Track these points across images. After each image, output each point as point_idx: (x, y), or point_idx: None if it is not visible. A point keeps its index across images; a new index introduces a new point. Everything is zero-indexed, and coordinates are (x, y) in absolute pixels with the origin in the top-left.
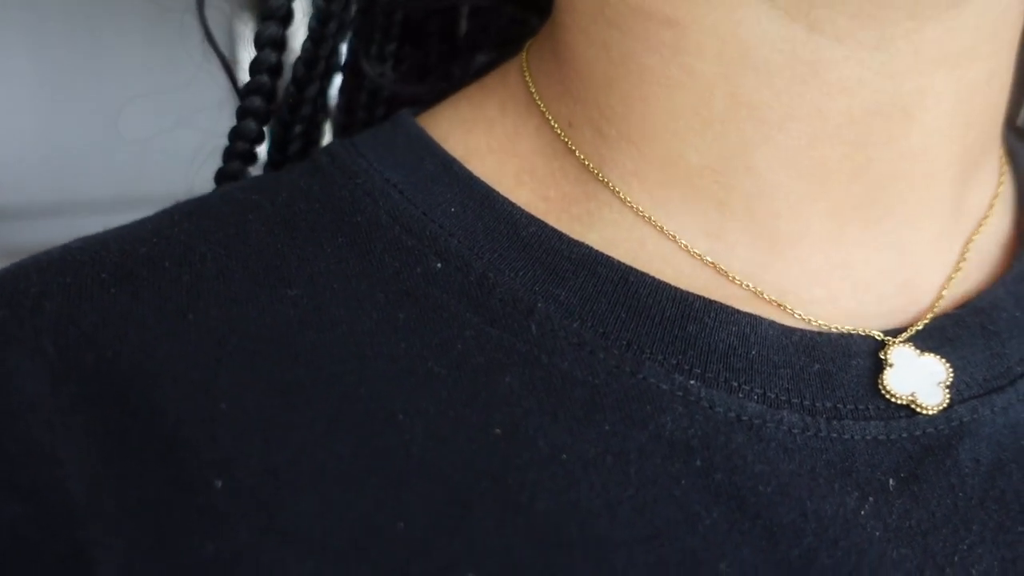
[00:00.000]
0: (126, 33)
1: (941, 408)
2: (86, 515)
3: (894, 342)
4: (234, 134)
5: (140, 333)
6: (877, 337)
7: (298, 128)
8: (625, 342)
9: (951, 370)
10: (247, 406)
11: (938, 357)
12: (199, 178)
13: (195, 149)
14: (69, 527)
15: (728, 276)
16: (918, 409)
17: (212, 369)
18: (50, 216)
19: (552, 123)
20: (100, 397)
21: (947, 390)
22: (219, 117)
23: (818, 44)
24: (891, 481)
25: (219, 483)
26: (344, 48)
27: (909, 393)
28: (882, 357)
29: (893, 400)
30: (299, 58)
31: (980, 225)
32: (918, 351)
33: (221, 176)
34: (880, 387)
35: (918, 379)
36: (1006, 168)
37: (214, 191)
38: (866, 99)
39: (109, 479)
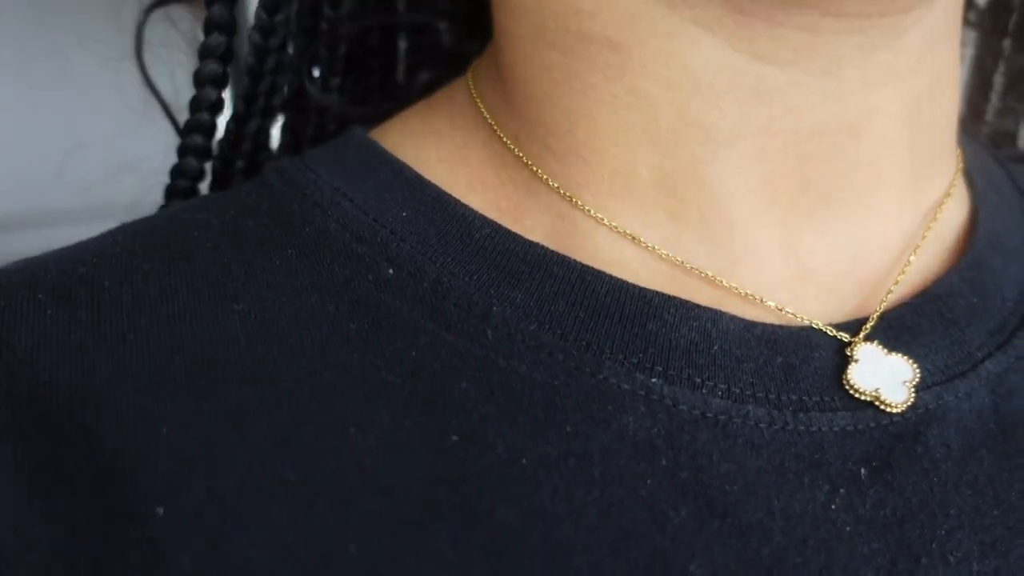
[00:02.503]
0: (89, 41)
1: (906, 406)
2: (11, 554)
3: (859, 340)
4: (175, 172)
5: (78, 357)
6: (837, 336)
7: (240, 164)
8: (584, 343)
9: (918, 370)
10: (190, 429)
11: (906, 357)
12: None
13: (159, 156)
14: None
15: (687, 268)
16: (882, 406)
17: (153, 392)
18: (16, 229)
19: (501, 136)
20: (33, 425)
21: (912, 389)
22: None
23: (761, 71)
24: (863, 471)
25: (160, 511)
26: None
27: (873, 389)
28: (848, 354)
29: (857, 396)
30: (239, 94)
31: (935, 218)
32: (885, 350)
33: None
34: (844, 383)
35: (883, 376)
36: (961, 163)
37: (159, 212)
38: (812, 119)
39: (39, 513)
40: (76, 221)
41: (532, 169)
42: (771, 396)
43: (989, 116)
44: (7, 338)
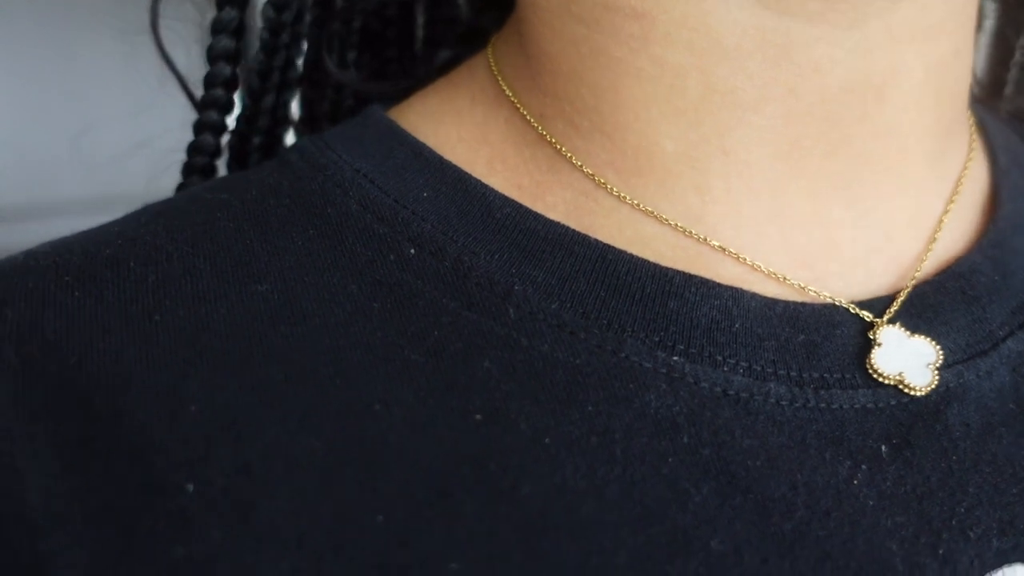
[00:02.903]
0: (97, 33)
1: (930, 388)
2: (46, 526)
3: (882, 323)
4: (192, 148)
5: (105, 337)
6: (860, 314)
7: (256, 140)
8: (606, 321)
9: (940, 351)
10: (217, 406)
11: (928, 339)
12: (169, 176)
13: (170, 147)
14: (29, 540)
15: (711, 245)
16: (906, 389)
17: (180, 370)
18: (22, 219)
19: (524, 112)
20: (64, 405)
21: (936, 372)
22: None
23: (789, 27)
24: (883, 448)
25: (190, 486)
26: (300, 60)
27: (897, 373)
28: (871, 337)
29: (881, 380)
30: (253, 70)
31: (955, 195)
32: (908, 332)
33: (182, 191)
34: (868, 367)
35: (906, 359)
36: (976, 137)
37: (181, 193)
38: (839, 77)
39: (72, 488)
40: (92, 209)
41: (555, 147)
42: (792, 374)
43: (1008, 90)
44: (36, 321)
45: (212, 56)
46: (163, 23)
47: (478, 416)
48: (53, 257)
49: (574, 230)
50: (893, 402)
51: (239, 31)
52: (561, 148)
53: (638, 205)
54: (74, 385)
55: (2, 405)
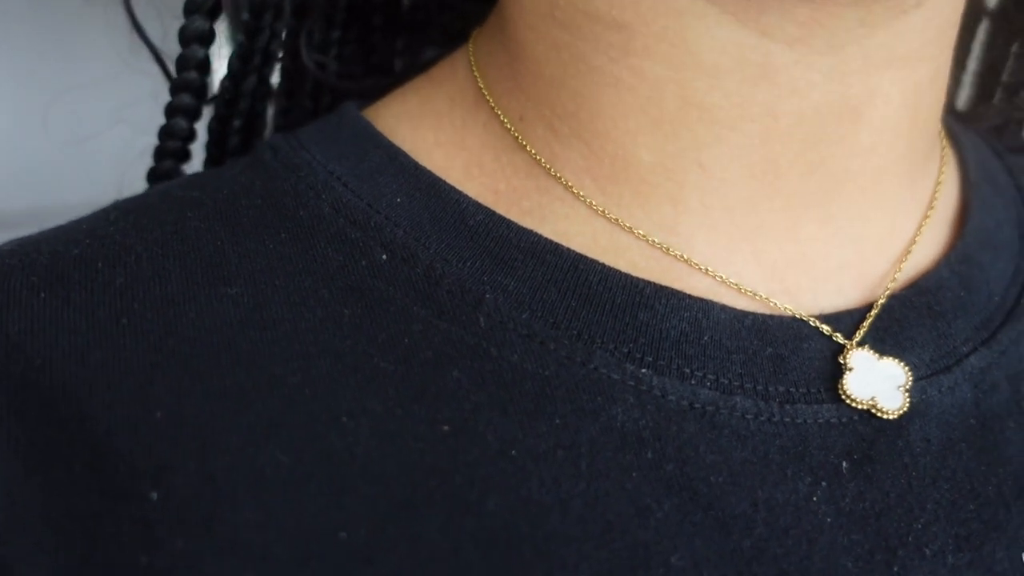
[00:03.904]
0: (89, 33)
1: (902, 412)
2: (7, 530)
3: (852, 345)
4: (164, 132)
5: (71, 339)
6: (832, 336)
7: (237, 123)
8: (576, 332)
9: (910, 373)
10: (184, 413)
11: (897, 360)
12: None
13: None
14: None
15: (684, 260)
16: (879, 413)
17: (146, 375)
18: (18, 225)
19: (502, 118)
20: (26, 407)
21: (906, 393)
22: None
23: (768, 49)
24: (844, 464)
25: (154, 494)
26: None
27: (869, 398)
28: (842, 362)
29: (854, 405)
30: (233, 52)
31: (928, 212)
32: (877, 354)
33: (154, 176)
34: (840, 392)
35: (877, 383)
36: (948, 152)
37: (152, 189)
38: (816, 100)
39: (33, 492)
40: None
41: (533, 155)
42: (759, 387)
43: (996, 98)
44: (1, 321)
45: (185, 38)
46: None
47: (446, 427)
48: (19, 256)
49: (547, 238)
50: (856, 417)
51: (214, 11)
52: (539, 158)
53: (612, 217)
54: (38, 388)
55: None
